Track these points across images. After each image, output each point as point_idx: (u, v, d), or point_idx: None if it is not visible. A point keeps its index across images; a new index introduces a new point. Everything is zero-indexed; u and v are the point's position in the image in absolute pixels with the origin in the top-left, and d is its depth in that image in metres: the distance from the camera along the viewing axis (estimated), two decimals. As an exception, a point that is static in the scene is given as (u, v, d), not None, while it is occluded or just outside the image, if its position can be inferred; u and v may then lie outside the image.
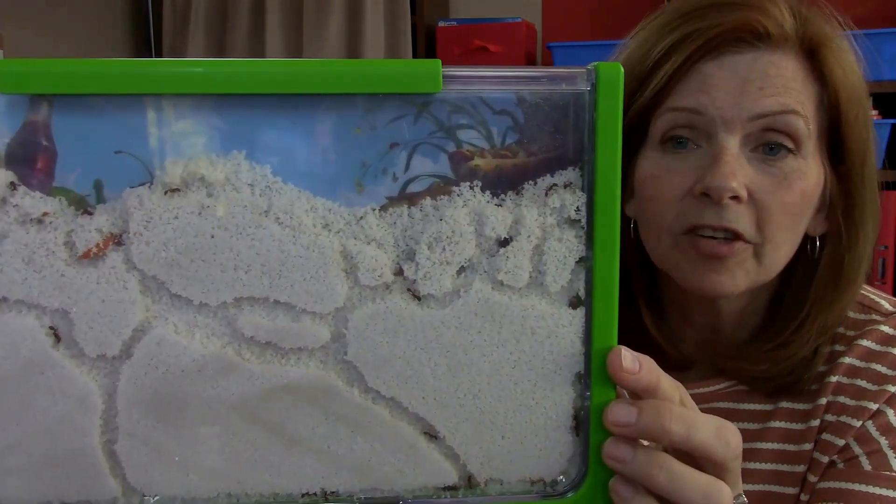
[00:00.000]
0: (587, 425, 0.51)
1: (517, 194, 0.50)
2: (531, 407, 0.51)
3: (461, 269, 0.50)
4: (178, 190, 0.47)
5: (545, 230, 0.50)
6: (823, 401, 0.71)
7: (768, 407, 0.77)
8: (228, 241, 0.48)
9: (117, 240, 0.48)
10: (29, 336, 0.48)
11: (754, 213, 0.69)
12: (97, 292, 0.48)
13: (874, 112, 2.03)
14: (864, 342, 0.72)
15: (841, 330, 0.76)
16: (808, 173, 0.70)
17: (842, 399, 0.71)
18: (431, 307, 0.50)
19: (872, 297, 0.77)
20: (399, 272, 0.50)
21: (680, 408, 0.49)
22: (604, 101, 0.48)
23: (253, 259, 0.48)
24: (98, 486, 0.50)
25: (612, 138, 0.48)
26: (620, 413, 0.48)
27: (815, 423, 0.71)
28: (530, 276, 0.50)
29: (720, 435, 0.50)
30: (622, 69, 0.49)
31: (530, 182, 0.50)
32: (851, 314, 0.76)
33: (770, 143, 0.69)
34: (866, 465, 0.68)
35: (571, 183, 0.50)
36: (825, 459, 0.69)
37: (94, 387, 0.49)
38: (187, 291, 0.48)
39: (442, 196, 0.50)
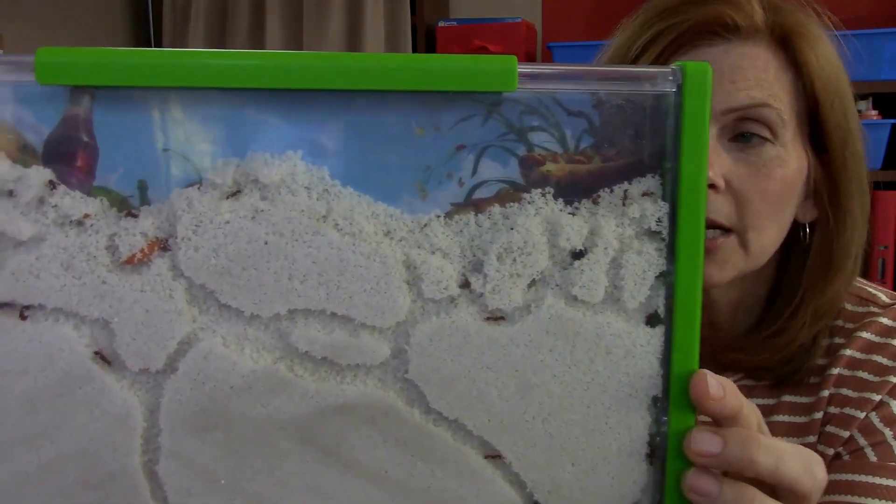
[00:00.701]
0: (663, 453, 0.47)
1: (593, 203, 0.46)
2: (604, 432, 0.47)
3: (532, 283, 0.46)
4: (239, 192, 0.43)
5: (623, 242, 0.46)
6: (826, 393, 0.70)
7: (771, 401, 0.75)
8: (283, 248, 0.44)
9: (163, 245, 0.44)
10: (66, 347, 0.44)
11: (734, 202, 0.69)
12: (141, 301, 0.44)
13: (874, 112, 2.00)
14: (864, 334, 0.72)
15: (840, 322, 0.75)
16: (788, 160, 0.71)
17: (844, 391, 0.70)
18: (500, 323, 0.46)
19: (870, 289, 0.77)
20: (465, 284, 0.46)
21: (766, 437, 0.45)
22: (691, 103, 0.44)
23: (309, 268, 0.44)
24: (137, 511, 0.46)
25: (699, 144, 0.44)
26: (705, 442, 0.44)
27: (819, 415, 0.70)
28: (606, 292, 0.46)
29: (807, 467, 0.46)
30: (710, 69, 0.44)
31: (606, 190, 0.46)
32: (850, 307, 0.76)
33: (745, 133, 0.70)
34: (872, 456, 0.67)
35: (653, 192, 0.46)
36: (831, 451, 0.68)
37: (136, 403, 0.45)
38: (238, 302, 0.44)
39: (511, 203, 0.46)
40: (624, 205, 0.45)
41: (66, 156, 0.44)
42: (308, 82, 0.43)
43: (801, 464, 0.45)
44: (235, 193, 0.42)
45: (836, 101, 0.71)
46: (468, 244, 0.45)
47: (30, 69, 0.42)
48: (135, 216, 0.43)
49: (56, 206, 0.43)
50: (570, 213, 0.45)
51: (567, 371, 0.46)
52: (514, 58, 0.43)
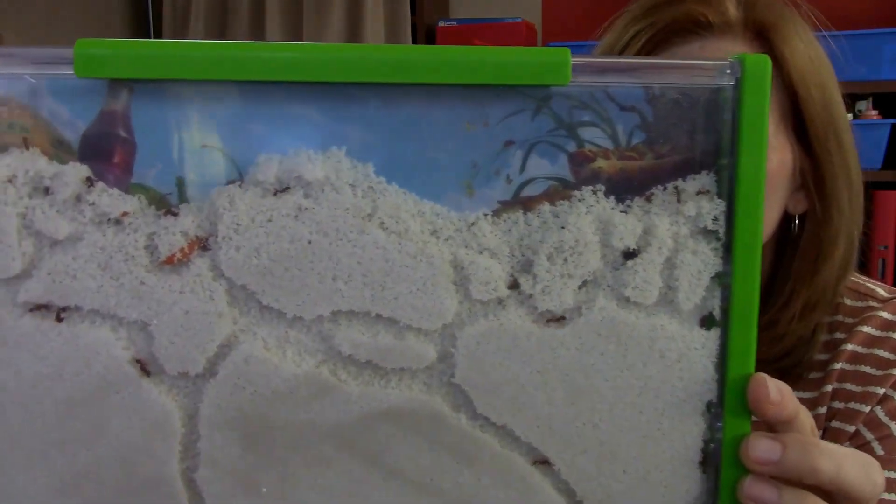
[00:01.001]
0: (718, 461, 0.45)
1: (646, 201, 0.44)
2: (656, 438, 0.45)
3: (583, 284, 0.44)
4: (288, 189, 0.41)
5: (678, 241, 0.44)
6: (829, 388, 0.70)
7: None
8: (327, 248, 0.42)
9: (203, 244, 0.43)
10: (103, 351, 0.42)
11: None
12: (180, 302, 0.42)
13: (874, 112, 1.98)
14: (865, 328, 0.72)
15: (839, 317, 0.75)
16: (770, 152, 0.70)
17: (848, 386, 0.70)
18: (550, 326, 0.44)
19: (868, 284, 0.76)
20: (514, 285, 0.44)
21: (824, 443, 0.44)
22: (750, 98, 0.42)
23: (354, 268, 0.43)
24: (175, 520, 0.44)
25: (759, 139, 0.43)
26: (764, 449, 0.42)
27: (823, 410, 0.69)
28: (660, 293, 0.44)
29: (866, 471, 0.44)
30: (770, 61, 0.43)
31: (659, 187, 0.44)
32: (849, 302, 0.75)
33: None
34: (879, 450, 0.67)
35: (708, 189, 0.44)
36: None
37: (174, 408, 0.43)
38: (280, 303, 0.43)
39: (561, 201, 0.44)
40: (678, 202, 0.43)
41: (104, 152, 0.42)
42: (354, 76, 0.41)
43: (861, 469, 0.43)
44: (285, 189, 0.41)
45: (814, 91, 0.70)
46: (517, 243, 0.44)
47: (66, 62, 0.40)
48: (174, 214, 0.42)
49: (94, 203, 0.41)
50: (622, 212, 0.44)
51: (619, 375, 0.44)
52: (568, 50, 0.41)
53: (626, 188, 0.44)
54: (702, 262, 0.44)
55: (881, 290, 0.76)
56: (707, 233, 0.44)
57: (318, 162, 0.42)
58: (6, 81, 0.41)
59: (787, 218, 0.75)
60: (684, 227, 0.44)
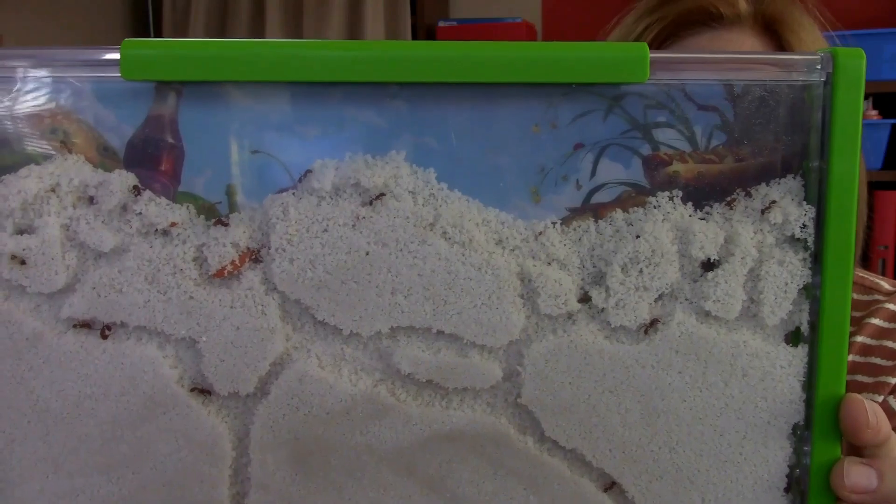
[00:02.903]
0: (805, 487, 0.41)
1: (728, 207, 0.40)
2: (738, 463, 0.41)
3: (659, 297, 0.40)
4: (382, 196, 0.38)
5: (763, 251, 0.40)
6: None
7: None
8: (387, 260, 0.39)
9: (255, 256, 0.39)
10: (150, 370, 0.39)
11: None
12: (230, 318, 0.39)
13: (874, 112, 1.94)
14: (874, 320, 0.71)
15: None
16: None
17: (860, 377, 0.70)
18: (624, 342, 0.40)
19: (872, 278, 0.76)
20: (585, 299, 0.40)
21: None
22: (843, 95, 0.38)
23: (414, 281, 0.39)
24: (224, 548, 0.40)
25: (852, 140, 0.38)
26: (860, 476, 0.38)
27: None
28: (743, 307, 0.40)
29: None
30: (864, 55, 0.39)
31: (741, 192, 0.40)
32: (855, 295, 0.74)
33: None
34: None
35: (795, 195, 0.40)
36: None
37: (224, 430, 0.40)
38: (336, 319, 0.39)
39: (635, 208, 0.40)
40: (764, 209, 0.39)
41: (151, 159, 0.39)
42: (415, 75, 0.37)
43: None
44: (380, 196, 0.37)
45: None
46: (588, 254, 0.40)
47: (113, 64, 0.37)
48: (225, 224, 0.39)
49: (140, 213, 0.38)
50: (701, 219, 0.40)
51: (698, 395, 0.40)
52: (646, 45, 0.38)
53: (705, 194, 0.40)
54: (789, 273, 0.39)
55: (885, 284, 0.75)
56: (794, 241, 0.39)
57: (377, 168, 0.38)
58: (49, 86, 0.38)
59: None
60: (769, 235, 0.39)
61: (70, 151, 0.38)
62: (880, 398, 0.67)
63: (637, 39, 0.70)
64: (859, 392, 0.67)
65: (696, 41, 0.69)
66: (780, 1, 0.70)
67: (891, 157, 1.95)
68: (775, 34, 0.69)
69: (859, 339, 0.70)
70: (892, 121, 1.93)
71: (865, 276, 0.78)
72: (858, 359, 0.70)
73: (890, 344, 0.70)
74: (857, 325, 0.71)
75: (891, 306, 0.72)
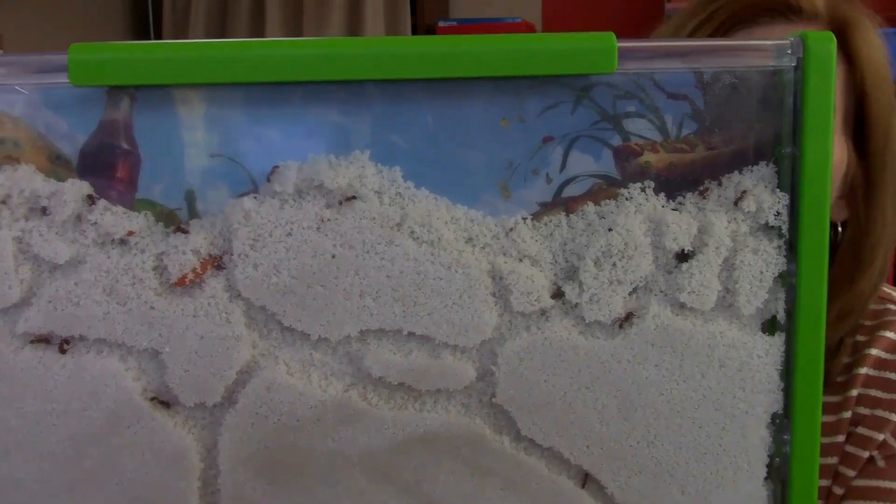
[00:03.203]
0: (786, 477, 0.40)
1: (700, 196, 0.39)
2: (718, 455, 0.40)
3: (633, 290, 0.39)
4: (352, 198, 0.36)
5: (737, 240, 0.39)
6: (854, 392, 0.67)
7: None
8: (353, 262, 0.38)
9: (217, 263, 0.38)
10: (112, 383, 0.38)
11: None
12: (194, 327, 0.38)
13: None
14: (888, 334, 0.70)
15: (860, 320, 0.72)
16: (833, 153, 0.67)
17: (874, 392, 0.68)
18: (598, 337, 0.39)
19: (884, 288, 0.74)
20: (558, 295, 0.39)
21: None
22: (814, 79, 0.37)
23: (382, 283, 0.38)
24: (197, 562, 0.39)
25: (824, 125, 0.37)
26: None
27: (847, 414, 0.67)
28: (718, 297, 0.39)
29: None
30: (834, 40, 0.38)
31: (714, 182, 0.39)
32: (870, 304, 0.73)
33: None
34: None
35: (768, 182, 0.39)
36: (864, 454, 0.66)
37: (191, 442, 0.38)
38: (303, 324, 0.38)
39: (607, 200, 0.39)
40: (738, 199, 0.38)
41: (105, 166, 0.38)
42: (375, 72, 0.36)
43: None
44: (349, 199, 0.36)
45: (883, 98, 0.66)
46: (560, 249, 0.39)
47: (61, 69, 0.36)
48: (185, 232, 0.37)
49: (96, 223, 0.37)
50: (674, 210, 0.39)
51: (675, 388, 0.39)
52: (613, 35, 0.36)
53: (677, 184, 0.39)
54: (763, 261, 0.39)
55: None
56: (769, 229, 0.39)
57: (341, 168, 0.37)
58: (-6, 92, 0.37)
59: None
60: (743, 224, 0.39)
61: (20, 162, 0.37)
62: (895, 418, 0.66)
63: (698, 27, 0.67)
64: (873, 407, 0.66)
65: (767, 31, 0.66)
66: (855, 5, 0.69)
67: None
68: (846, 40, 0.67)
69: (874, 351, 0.69)
70: None
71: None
72: (872, 372, 0.68)
73: None
74: (870, 334, 0.70)
75: None
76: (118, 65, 0.35)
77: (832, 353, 0.69)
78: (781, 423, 0.40)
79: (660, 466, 0.40)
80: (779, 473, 0.40)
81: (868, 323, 0.71)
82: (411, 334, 0.38)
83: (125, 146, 0.37)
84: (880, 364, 0.68)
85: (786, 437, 0.40)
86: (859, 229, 0.68)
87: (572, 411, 0.39)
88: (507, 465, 0.39)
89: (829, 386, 0.69)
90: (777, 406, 0.40)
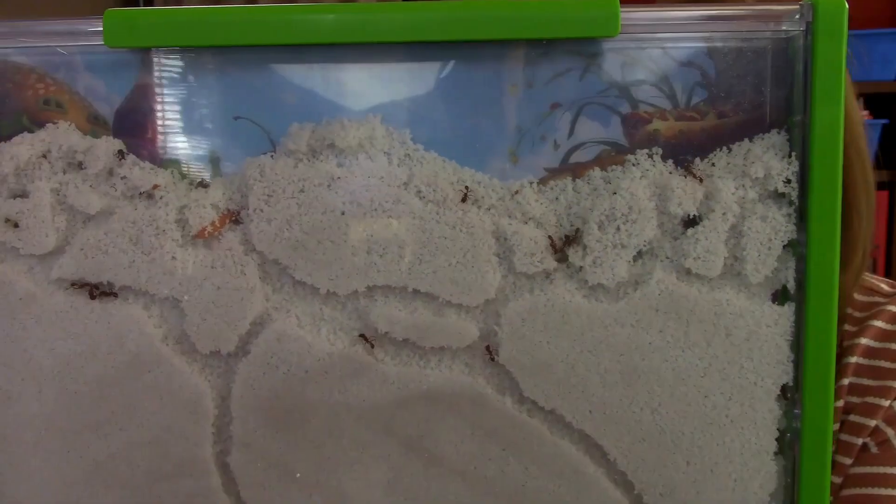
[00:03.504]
0: (797, 451, 0.39)
1: (708, 164, 0.39)
2: (724, 426, 0.40)
3: (638, 255, 0.39)
4: (468, 191, 0.38)
5: (745, 207, 0.39)
6: (845, 382, 0.67)
7: None
8: (361, 219, 0.39)
9: (235, 217, 0.40)
10: (135, 329, 0.40)
11: None
12: (211, 278, 0.40)
13: (864, 112, 1.88)
14: (877, 323, 0.69)
15: (848, 310, 0.72)
16: None
17: (865, 381, 0.67)
18: (602, 300, 0.39)
19: (870, 279, 0.74)
20: (563, 257, 0.40)
21: None
22: (824, 43, 0.37)
23: (389, 240, 0.39)
24: (209, 505, 0.41)
25: (834, 90, 0.37)
26: None
27: (839, 403, 0.67)
28: (725, 264, 0.39)
29: None
30: (846, 3, 0.37)
31: (724, 149, 0.39)
32: (856, 296, 0.73)
33: None
34: None
35: (779, 149, 0.38)
36: (857, 441, 0.65)
37: (207, 389, 0.40)
38: (313, 278, 0.39)
39: (614, 166, 0.40)
40: (745, 164, 0.38)
41: (138, 127, 0.40)
42: (389, 35, 0.37)
43: None
44: (464, 197, 0.37)
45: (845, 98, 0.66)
46: (565, 212, 0.39)
47: (98, 33, 0.38)
48: (205, 187, 0.39)
49: (125, 177, 0.39)
50: (681, 175, 0.39)
51: (680, 355, 0.39)
52: (616, 0, 0.37)
53: (685, 151, 0.39)
54: (772, 229, 0.38)
55: (884, 286, 0.73)
56: (778, 196, 0.38)
57: (352, 129, 0.39)
58: (41, 58, 0.40)
59: None
60: (752, 190, 0.38)
61: (62, 120, 0.40)
62: (886, 402, 0.66)
63: None
64: (863, 395, 0.65)
65: None
66: None
67: (881, 157, 1.94)
68: None
69: (863, 340, 0.69)
70: (883, 121, 1.92)
71: (865, 277, 0.76)
72: (863, 361, 0.68)
73: (895, 346, 0.68)
74: (859, 325, 0.70)
75: (892, 308, 0.70)
76: (147, 28, 0.38)
77: None
78: (793, 397, 0.39)
79: (664, 435, 0.39)
80: (790, 448, 0.39)
81: (857, 314, 0.71)
82: (416, 291, 0.39)
83: (156, 108, 0.40)
84: (869, 353, 0.68)
85: (796, 410, 0.39)
86: None
87: (574, 374, 0.39)
88: (508, 426, 0.40)
89: None
90: (787, 378, 0.39)
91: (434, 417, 0.39)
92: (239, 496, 0.40)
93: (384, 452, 0.40)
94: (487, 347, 0.39)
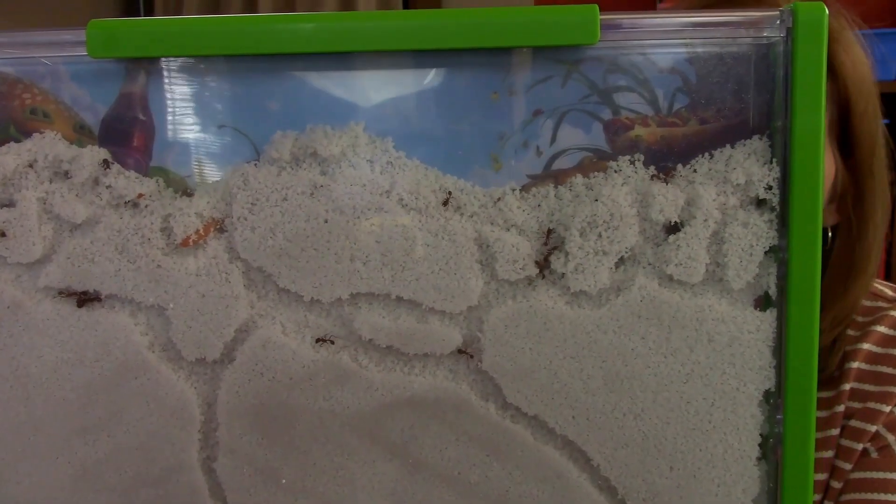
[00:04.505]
0: (779, 455, 0.39)
1: (690, 170, 0.39)
2: (707, 432, 0.39)
3: (620, 261, 0.39)
4: (449, 196, 0.38)
5: (726, 213, 0.38)
6: (847, 387, 0.67)
7: None
8: (345, 227, 0.39)
9: (220, 225, 0.40)
10: (122, 336, 0.40)
11: None
12: (196, 286, 0.40)
13: None
14: (880, 328, 0.70)
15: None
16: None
17: (866, 386, 0.68)
18: (584, 307, 0.39)
19: (875, 284, 0.74)
20: (545, 264, 0.39)
21: None
22: (804, 49, 0.36)
23: (372, 248, 0.39)
24: (196, 510, 0.41)
25: (815, 97, 0.37)
26: None
27: (840, 408, 0.68)
28: (707, 270, 0.39)
29: None
30: (825, 9, 0.37)
31: (705, 155, 0.39)
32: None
33: None
34: None
35: (760, 156, 0.38)
36: (858, 447, 0.66)
37: (193, 395, 0.40)
38: (297, 286, 0.39)
39: (596, 173, 0.39)
40: (727, 171, 0.38)
41: (123, 135, 0.40)
42: (371, 43, 0.37)
43: None
44: (447, 200, 0.37)
45: (868, 107, 0.66)
46: (547, 219, 0.39)
47: (81, 43, 0.39)
48: (189, 195, 0.39)
49: (110, 186, 0.39)
50: (662, 182, 0.39)
51: (662, 361, 0.39)
52: (596, 7, 0.37)
53: (667, 157, 0.39)
54: (754, 235, 0.38)
55: (888, 291, 0.73)
56: (759, 203, 0.38)
57: (335, 137, 0.39)
58: (25, 66, 0.40)
59: None
60: (733, 196, 0.38)
61: (48, 130, 0.40)
62: (887, 408, 0.65)
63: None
64: (864, 400, 0.65)
65: None
66: (837, 16, 0.68)
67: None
68: (827, 53, 0.67)
69: (865, 346, 0.68)
70: (884, 121, 1.90)
71: None
72: (865, 366, 0.68)
73: None
74: (862, 330, 0.70)
75: (895, 313, 0.70)
76: (130, 38, 0.38)
77: (826, 354, 0.69)
78: (775, 403, 0.39)
79: (647, 440, 0.39)
80: (773, 454, 0.39)
81: (860, 319, 0.70)
82: (400, 298, 0.39)
83: (141, 117, 0.40)
84: (872, 358, 0.68)
85: (779, 416, 0.39)
86: (851, 236, 0.68)
87: (557, 380, 0.39)
88: (492, 432, 0.40)
89: (821, 382, 0.69)
90: (769, 384, 0.39)
91: (418, 423, 0.39)
92: (225, 501, 0.40)
93: (369, 458, 0.40)
94: (461, 350, 0.39)
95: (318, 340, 0.39)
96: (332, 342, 0.38)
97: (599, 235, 0.38)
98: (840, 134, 0.67)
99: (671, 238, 0.38)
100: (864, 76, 0.67)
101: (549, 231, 0.39)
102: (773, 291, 0.38)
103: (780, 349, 0.38)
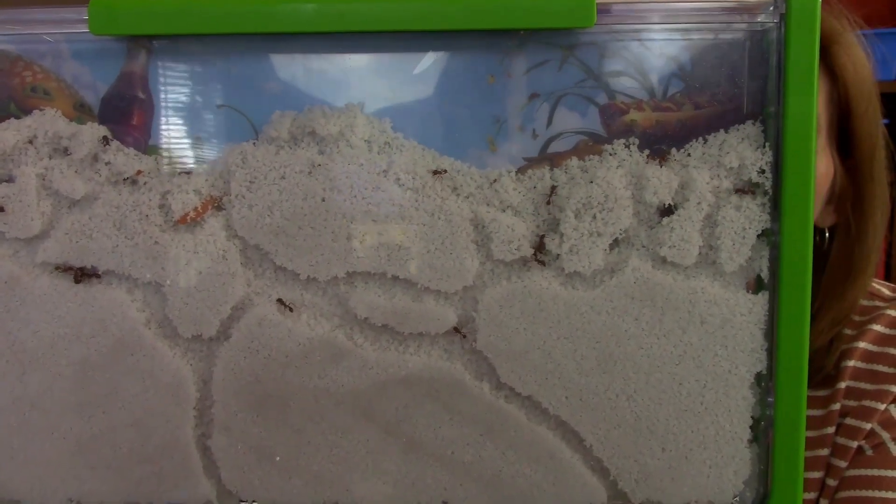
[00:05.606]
0: (770, 438, 0.39)
1: (684, 154, 0.39)
2: (699, 413, 0.40)
3: (615, 243, 0.40)
4: (442, 172, 0.38)
5: (719, 196, 0.39)
6: (843, 385, 0.67)
7: None
8: (341, 206, 0.39)
9: (218, 203, 0.40)
10: (119, 313, 0.40)
11: None
12: (193, 263, 0.40)
13: None
14: (876, 327, 0.70)
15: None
16: (819, 166, 0.66)
17: (862, 384, 0.68)
18: (578, 288, 0.39)
19: (872, 283, 0.73)
20: (540, 245, 0.40)
21: None
22: (797, 36, 0.37)
23: (369, 227, 0.39)
24: (190, 487, 0.41)
25: (807, 82, 0.37)
26: None
27: (836, 406, 0.68)
28: (700, 252, 0.39)
29: None
30: (819, -4, 0.37)
31: (699, 139, 0.39)
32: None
33: None
34: (894, 450, 0.65)
35: (754, 140, 0.39)
36: (853, 444, 0.66)
37: (189, 372, 0.40)
38: (293, 263, 0.40)
39: (591, 156, 0.40)
40: (721, 155, 0.38)
41: (123, 113, 0.40)
42: (369, 24, 0.38)
43: None
44: (438, 172, 0.37)
45: (869, 109, 0.66)
46: (542, 201, 0.39)
47: (83, 21, 0.39)
48: (188, 173, 0.40)
49: (109, 163, 0.39)
50: (657, 165, 0.39)
51: (655, 342, 0.39)
52: (592, -11, 0.37)
53: (662, 141, 0.39)
54: (746, 218, 0.38)
55: (885, 290, 0.73)
56: (752, 186, 0.38)
57: (333, 117, 0.39)
58: (26, 43, 0.40)
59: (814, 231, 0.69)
60: (726, 180, 0.38)
61: (48, 107, 0.40)
62: (882, 406, 0.65)
63: None
64: (860, 399, 0.66)
65: None
66: (829, 18, 0.68)
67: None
68: (827, 55, 0.66)
69: (861, 344, 0.68)
70: (884, 121, 1.90)
71: None
72: (861, 365, 0.68)
73: (893, 351, 0.68)
74: (858, 328, 0.70)
75: (892, 312, 0.70)
76: (132, 15, 0.38)
77: (823, 353, 0.69)
78: (766, 385, 0.39)
79: (639, 421, 0.39)
80: (764, 436, 0.39)
81: (856, 317, 0.70)
82: (395, 278, 0.39)
83: (141, 95, 0.40)
84: (868, 357, 0.68)
85: (770, 399, 0.39)
86: (850, 237, 0.68)
87: (551, 360, 0.39)
88: (486, 412, 0.40)
89: (819, 380, 0.70)
90: (761, 366, 0.39)
91: (413, 403, 0.40)
92: (220, 478, 0.40)
93: (364, 437, 0.40)
94: (456, 330, 0.39)
95: (278, 301, 0.39)
96: (292, 309, 0.38)
97: (594, 217, 0.38)
98: (840, 135, 0.68)
99: (665, 220, 0.38)
100: (864, 78, 0.67)
101: (541, 239, 0.39)
102: (765, 274, 0.38)
103: (771, 332, 0.38)
